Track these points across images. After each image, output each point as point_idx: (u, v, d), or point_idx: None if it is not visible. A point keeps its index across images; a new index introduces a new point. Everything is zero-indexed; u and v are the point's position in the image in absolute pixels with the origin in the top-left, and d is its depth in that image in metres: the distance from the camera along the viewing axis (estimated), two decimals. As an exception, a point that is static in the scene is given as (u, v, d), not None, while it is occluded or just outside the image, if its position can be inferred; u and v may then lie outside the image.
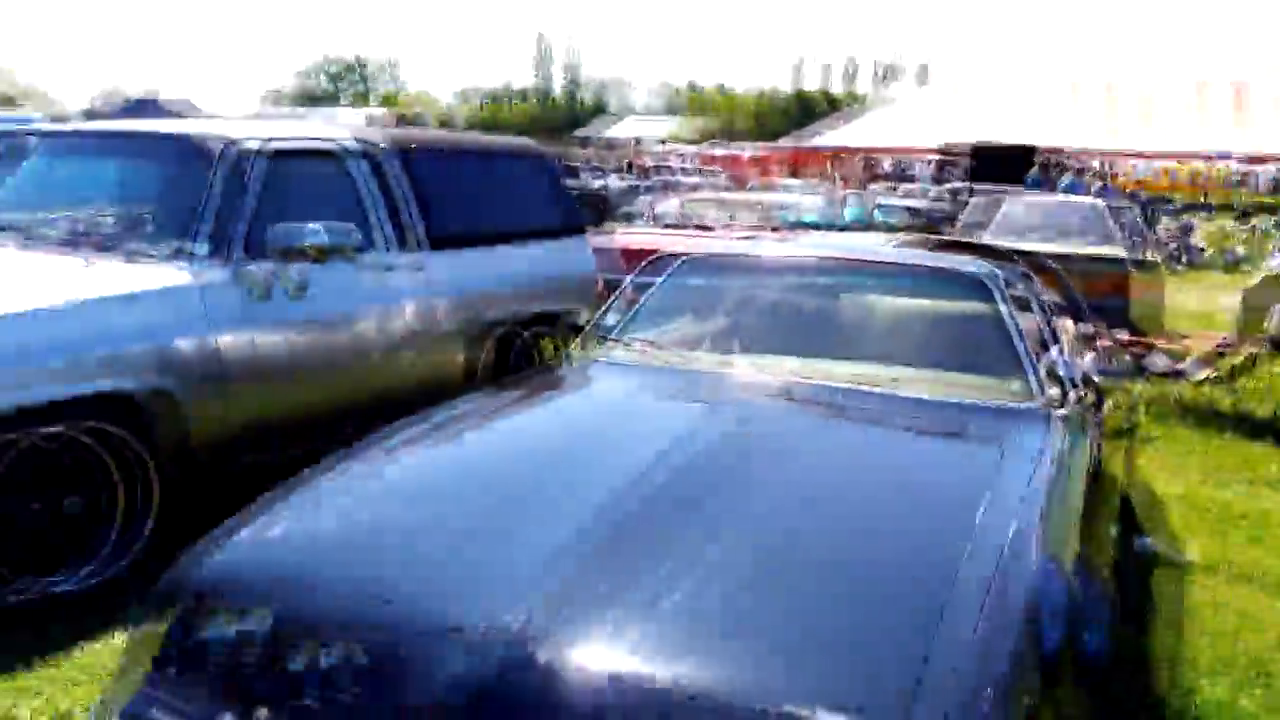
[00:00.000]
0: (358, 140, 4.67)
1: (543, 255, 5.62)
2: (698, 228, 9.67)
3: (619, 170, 22.62)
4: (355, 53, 71.32)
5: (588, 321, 3.62)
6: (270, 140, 4.18)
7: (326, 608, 1.83)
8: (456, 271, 4.96)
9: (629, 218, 12.64)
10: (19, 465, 3.25)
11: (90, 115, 16.74)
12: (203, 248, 3.81)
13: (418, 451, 2.45)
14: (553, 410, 2.84)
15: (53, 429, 3.30)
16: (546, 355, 5.78)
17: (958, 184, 23.44)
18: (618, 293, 3.73)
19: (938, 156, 31.21)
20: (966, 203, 14.70)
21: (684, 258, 3.76)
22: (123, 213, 4.17)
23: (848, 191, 18.57)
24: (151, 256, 3.78)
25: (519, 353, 5.50)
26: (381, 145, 4.74)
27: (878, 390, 2.72)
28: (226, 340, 3.80)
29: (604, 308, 3.63)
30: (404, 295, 4.67)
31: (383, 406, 4.60)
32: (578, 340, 3.49)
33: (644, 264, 3.75)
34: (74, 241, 3.94)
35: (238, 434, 3.91)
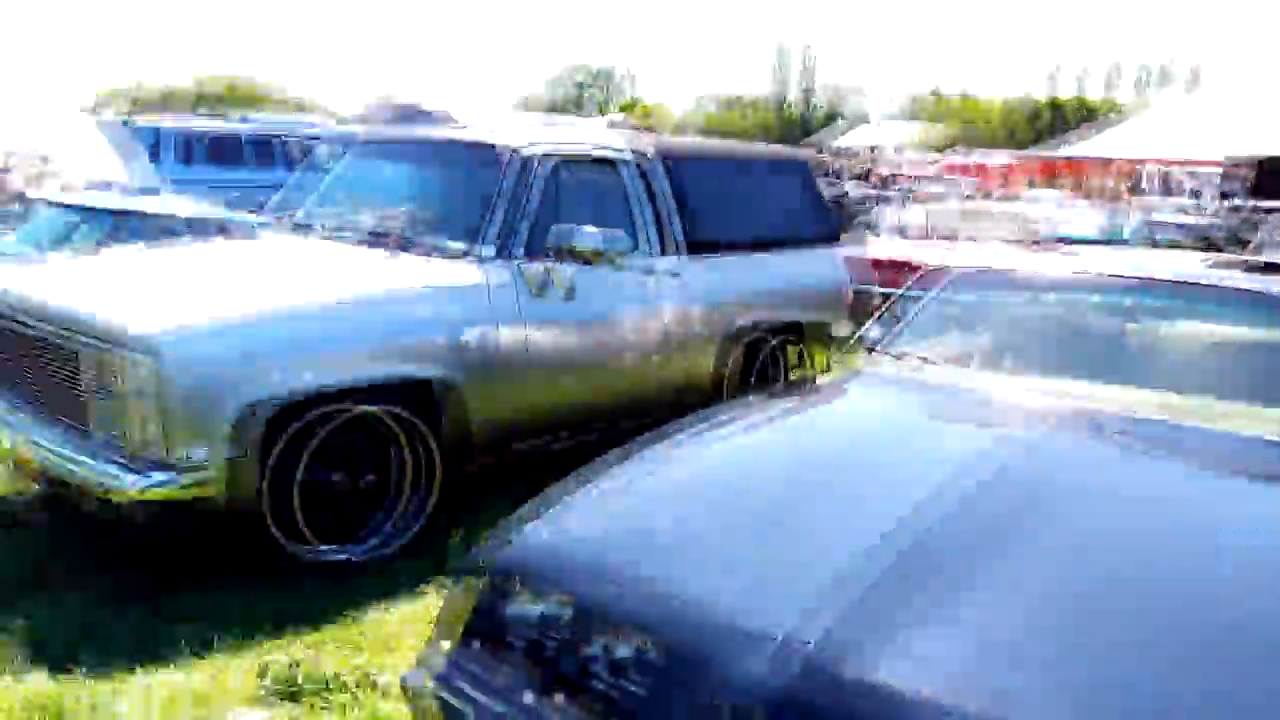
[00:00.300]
0: (629, 148, 4.83)
1: (796, 264, 5.58)
2: (945, 239, 9.29)
3: (858, 178, 22.10)
4: (598, 62, 74.18)
5: (852, 333, 3.55)
6: (552, 147, 4.42)
7: (624, 601, 1.88)
8: (711, 277, 5.02)
9: (868, 227, 12.33)
10: (331, 440, 3.60)
11: (365, 122, 18.37)
12: (490, 248, 4.09)
13: (702, 453, 2.49)
14: (830, 422, 2.80)
15: (361, 409, 3.63)
16: (792, 365, 5.75)
17: (1238, 200, 21.07)
18: (888, 304, 3.64)
19: (1214, 169, 28.21)
20: (1252, 221, 13.21)
21: (958, 271, 3.60)
22: (420, 213, 4.53)
23: (1120, 205, 17.11)
24: (445, 254, 4.09)
25: (767, 361, 5.50)
26: (649, 152, 4.88)
27: (1202, 425, 2.47)
28: (507, 335, 4.04)
29: (872, 319, 3.55)
30: (660, 299, 4.78)
31: (635, 406, 4.79)
32: (845, 351, 3.42)
33: (918, 276, 3.63)
34: (378, 239, 4.34)
35: (510, 423, 4.15)
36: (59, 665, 2.94)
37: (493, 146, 4.39)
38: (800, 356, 5.72)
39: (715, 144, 6.29)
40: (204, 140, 12.19)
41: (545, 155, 4.36)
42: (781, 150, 6.23)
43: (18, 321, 3.70)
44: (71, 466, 3.35)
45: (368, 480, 3.77)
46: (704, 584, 1.88)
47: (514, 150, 4.30)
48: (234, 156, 12.25)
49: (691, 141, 5.63)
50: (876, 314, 3.64)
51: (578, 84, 69.89)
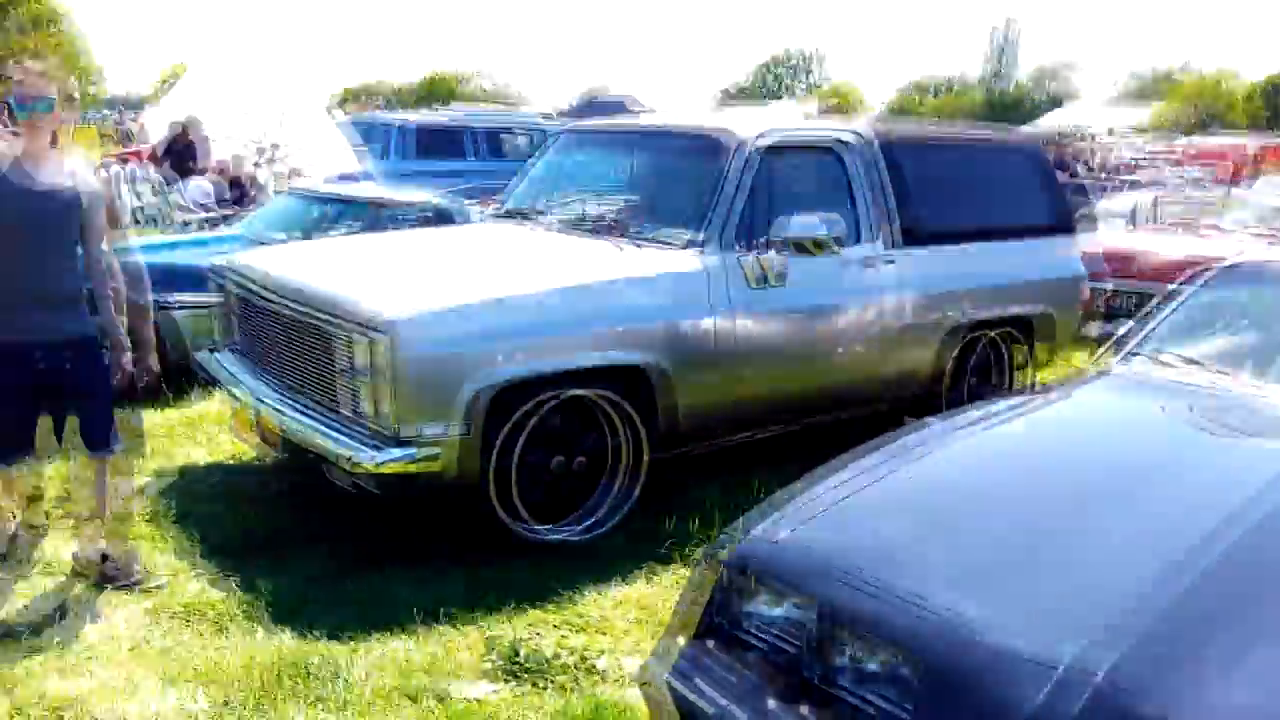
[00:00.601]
0: (848, 133, 4.66)
1: (1024, 254, 5.22)
2: (1181, 227, 8.48)
3: (1084, 164, 20.54)
4: (794, 47, 72.95)
5: (1105, 333, 3.24)
6: (773, 134, 4.33)
7: (877, 611, 1.77)
8: (930, 267, 4.77)
9: (1089, 217, 11.42)
10: (548, 422, 3.67)
11: (573, 114, 18.83)
12: (709, 237, 4.05)
13: (953, 457, 2.33)
14: (1095, 428, 2.56)
15: (578, 393, 3.68)
16: (1017, 362, 5.40)
17: None
18: (1153, 304, 3.31)
19: None
20: None
21: (1232, 264, 3.23)
22: (639, 202, 4.55)
23: None
24: (664, 243, 4.08)
25: (988, 356, 5.19)
26: (868, 137, 4.69)
27: None
28: (721, 324, 3.99)
29: (1135, 320, 3.24)
30: (876, 290, 4.59)
31: (846, 400, 4.63)
32: (1103, 352, 3.14)
33: (1194, 274, 3.28)
34: (598, 228, 4.39)
35: (718, 412, 4.11)
36: (298, 626, 3.15)
37: (716, 135, 4.34)
38: (1030, 355, 5.36)
39: (938, 128, 5.97)
40: (428, 134, 12.84)
41: (766, 142, 4.26)
42: (1011, 133, 5.83)
43: (271, 301, 3.98)
44: (317, 439, 3.57)
45: (580, 463, 3.82)
46: (970, 601, 1.73)
47: (737, 138, 4.23)
48: (457, 149, 12.84)
49: (913, 125, 5.36)
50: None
51: (772, 70, 69.02)
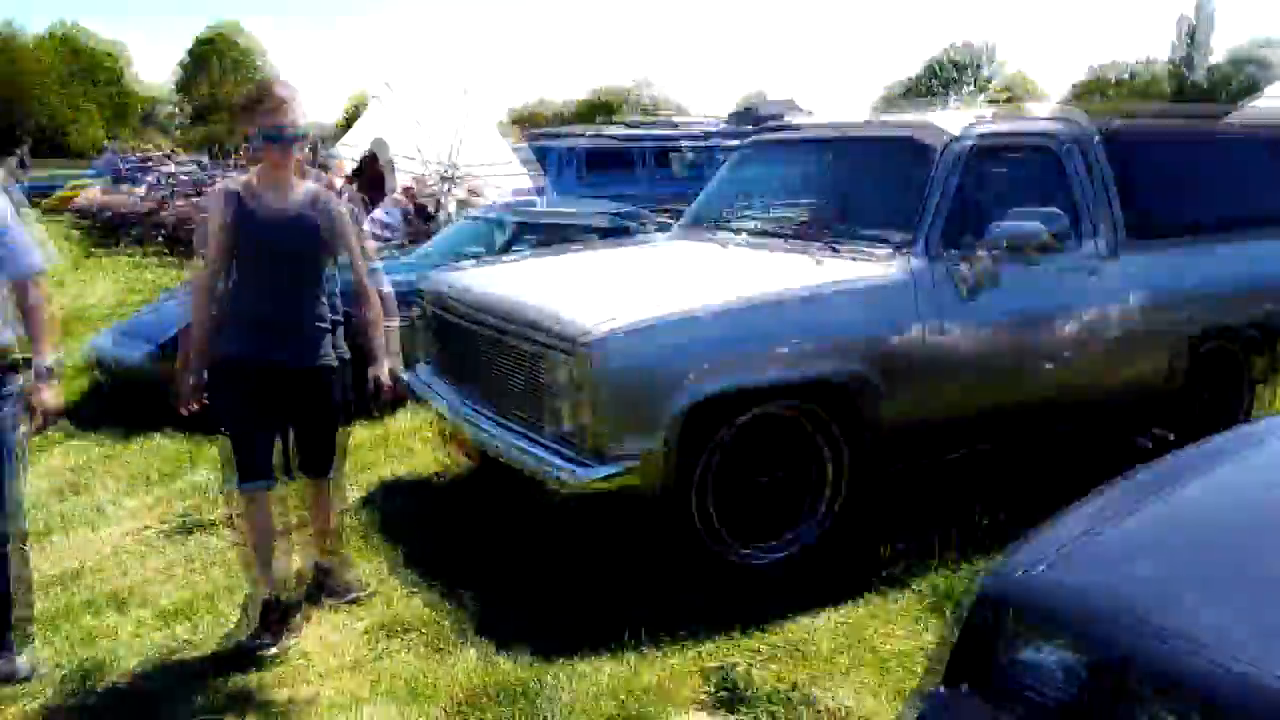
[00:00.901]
0: (1063, 122, 4.30)
1: (1267, 253, 4.68)
2: None
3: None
4: (960, 41, 70.05)
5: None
6: (983, 128, 4.05)
7: (1163, 664, 1.53)
8: (1157, 269, 4.34)
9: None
10: (748, 439, 3.53)
11: (738, 120, 18.67)
12: (918, 244, 3.81)
13: (1238, 486, 2.03)
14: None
15: (781, 408, 3.52)
16: (1256, 371, 4.84)
17: None
18: None
19: None
20: None
21: None
22: (837, 209, 4.37)
23: None
24: (867, 252, 3.88)
25: (1225, 366, 4.68)
26: (1084, 126, 4.31)
27: None
28: (931, 336, 3.74)
29: None
30: (1096, 294, 4.21)
31: (1067, 415, 4.25)
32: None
33: None
34: (794, 239, 4.23)
35: (926, 426, 3.85)
36: (505, 643, 3.13)
37: (921, 133, 4.09)
38: (1270, 364, 4.80)
39: (1168, 117, 5.45)
40: (598, 154, 13.05)
41: (975, 138, 3.98)
42: (1256, 120, 5.26)
43: (471, 318, 4.03)
44: (517, 456, 3.56)
45: (781, 481, 3.66)
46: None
47: (945, 135, 3.97)
48: (625, 168, 12.97)
49: (1139, 116, 4.91)
50: None
51: (940, 67, 66.48)
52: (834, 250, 3.97)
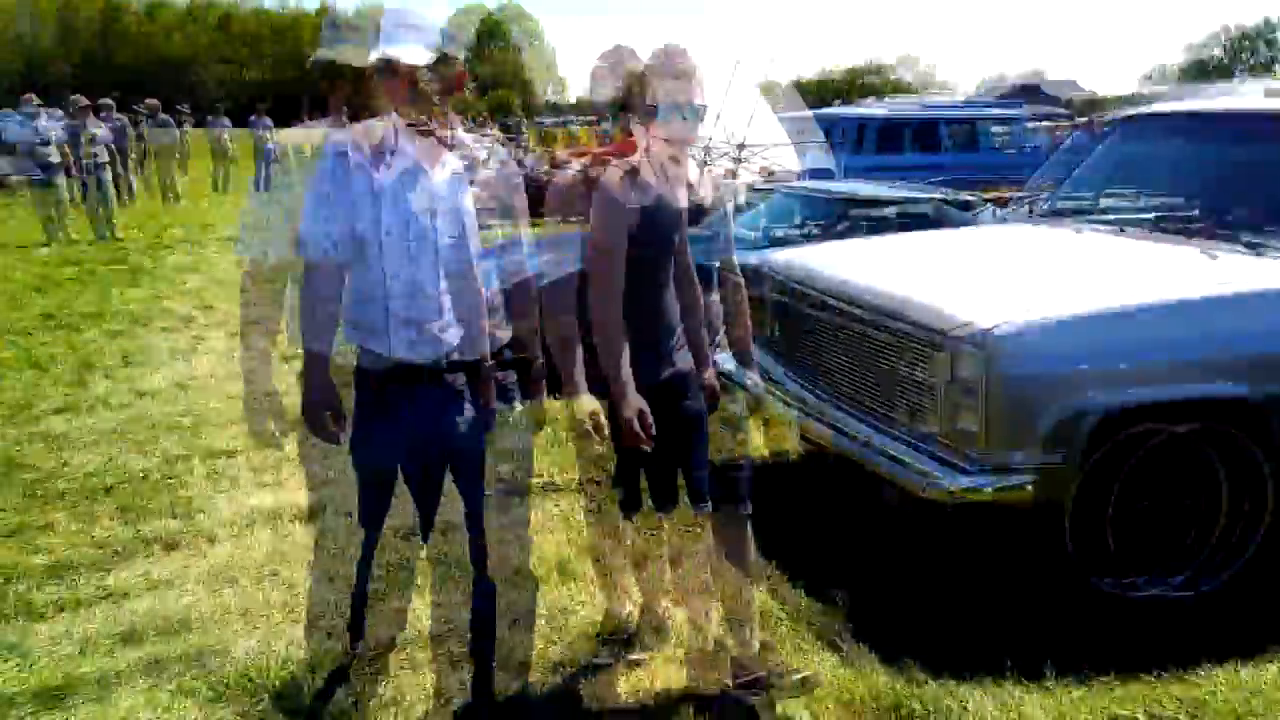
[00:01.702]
0: None
1: None
2: None
3: None
4: (1261, 18, 61.58)
5: None
6: None
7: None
8: None
9: None
10: (1146, 459, 3.13)
11: (1009, 99, 17.34)
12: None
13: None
14: None
15: (1186, 427, 3.11)
16: None
17: None
18: None
19: None
20: None
21: None
22: (1239, 201, 3.81)
23: None
24: (1276, 248, 3.36)
25: None
26: None
27: None
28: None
29: None
30: None
31: None
32: None
33: None
34: (1183, 233, 3.75)
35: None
36: (889, 653, 2.97)
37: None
38: None
39: None
40: (896, 127, 12.22)
41: None
42: None
43: (822, 303, 3.83)
44: (874, 458, 3.34)
45: (1178, 505, 3.23)
46: None
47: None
48: (928, 142, 12.10)
49: None
50: None
51: (1225, 45, 58.93)
52: (1232, 246, 3.48)
